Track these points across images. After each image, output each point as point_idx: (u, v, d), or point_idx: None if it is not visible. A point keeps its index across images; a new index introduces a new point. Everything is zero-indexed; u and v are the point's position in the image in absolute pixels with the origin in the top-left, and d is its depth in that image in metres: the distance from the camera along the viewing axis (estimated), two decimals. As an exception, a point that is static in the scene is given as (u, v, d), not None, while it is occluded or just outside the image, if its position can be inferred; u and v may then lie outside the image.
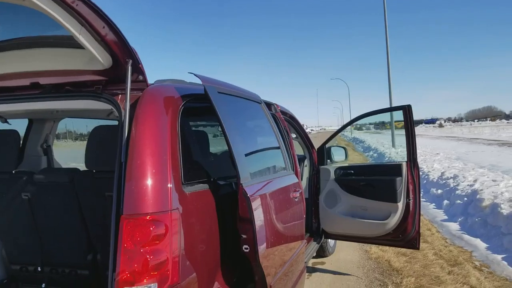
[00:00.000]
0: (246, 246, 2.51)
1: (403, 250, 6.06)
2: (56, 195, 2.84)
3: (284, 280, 2.96)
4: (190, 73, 2.58)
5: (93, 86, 2.56)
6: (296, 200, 3.45)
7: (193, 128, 3.23)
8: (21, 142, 3.76)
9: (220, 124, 2.49)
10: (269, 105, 4.37)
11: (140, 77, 2.48)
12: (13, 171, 2.89)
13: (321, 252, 5.90)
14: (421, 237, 6.86)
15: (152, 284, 2.07)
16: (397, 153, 21.02)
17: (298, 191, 3.53)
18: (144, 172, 2.17)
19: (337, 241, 6.23)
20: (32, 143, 3.76)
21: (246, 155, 2.75)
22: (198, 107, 2.87)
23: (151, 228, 2.09)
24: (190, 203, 2.36)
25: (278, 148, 3.59)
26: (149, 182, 2.16)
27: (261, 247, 2.53)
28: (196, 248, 2.36)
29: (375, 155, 23.99)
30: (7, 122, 3.04)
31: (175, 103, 2.51)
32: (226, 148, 2.80)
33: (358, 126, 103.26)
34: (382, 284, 4.98)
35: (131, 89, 2.50)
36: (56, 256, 3.04)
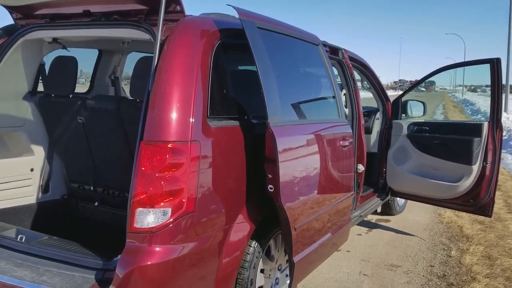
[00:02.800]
0: (271, 186, 2.49)
1: (481, 218, 5.61)
2: (105, 120, 3.02)
3: (314, 227, 2.90)
4: (228, 5, 2.52)
5: (137, 15, 2.62)
6: (344, 150, 3.30)
7: (242, 67, 3.19)
8: (92, 72, 4.04)
9: (253, 59, 2.43)
10: (335, 50, 4.16)
11: (178, 8, 2.48)
12: (70, 96, 3.12)
13: (388, 210, 5.68)
14: (510, 208, 6.32)
15: (166, 209, 2.16)
16: (508, 119, 19.11)
17: (348, 140, 3.37)
18: (167, 101, 2.22)
19: (408, 200, 5.94)
20: (101, 73, 4.01)
21: (282, 96, 2.67)
22: (242, 44, 2.81)
23: (167, 156, 2.15)
24: (215, 137, 2.37)
25: (332, 94, 3.43)
26: (170, 111, 2.20)
27: (285, 189, 2.49)
28: (218, 181, 2.39)
29: (482, 118, 22.07)
30: (66, 49, 3.27)
31: (210, 36, 2.49)
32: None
33: (473, 87, 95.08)
34: (445, 248, 4.70)
35: (170, 20, 2.53)
36: (106, 178, 3.29)
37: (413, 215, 5.87)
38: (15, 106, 3.20)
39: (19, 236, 2.59)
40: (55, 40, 3.07)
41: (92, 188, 3.34)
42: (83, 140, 3.18)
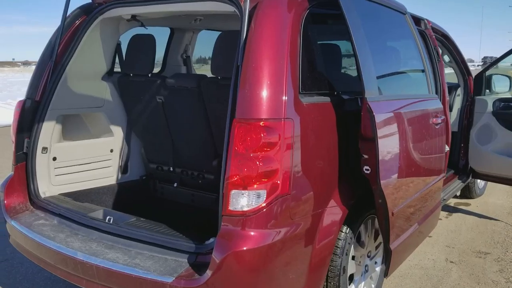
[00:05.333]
0: (367, 167, 2.30)
1: None
2: (185, 99, 2.93)
3: (409, 211, 2.70)
4: None
5: None
6: (436, 128, 3.05)
7: (324, 40, 2.98)
8: (164, 51, 3.97)
9: (348, 30, 2.23)
10: (417, 20, 3.84)
11: None
12: (149, 75, 3.05)
13: (467, 193, 5.33)
14: None
15: (261, 191, 2.03)
16: None
17: (440, 118, 3.10)
18: (259, 76, 2.07)
19: (488, 183, 5.55)
20: (173, 52, 3.93)
21: (376, 69, 2.45)
22: (329, 14, 2.62)
23: (262, 135, 2.01)
24: (307, 114, 2.21)
25: (421, 67, 3.16)
26: (263, 87, 2.05)
27: (383, 171, 2.29)
28: (311, 162, 2.23)
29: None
30: (144, 26, 3.19)
31: (299, 6, 2.30)
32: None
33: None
34: (536, 235, 4.33)
35: None
36: (186, 159, 3.22)
37: (494, 198, 5.48)
38: (94, 86, 3.18)
39: (107, 217, 2.56)
40: (133, 17, 3.00)
41: (171, 169, 3.29)
42: (162, 120, 3.12)
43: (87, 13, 2.96)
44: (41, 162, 2.89)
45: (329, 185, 2.38)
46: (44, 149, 2.90)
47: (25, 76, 37.45)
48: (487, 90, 4.81)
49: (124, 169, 3.40)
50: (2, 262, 3.58)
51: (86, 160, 3.17)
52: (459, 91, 4.93)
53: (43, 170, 2.91)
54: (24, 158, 2.85)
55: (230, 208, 2.02)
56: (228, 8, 2.39)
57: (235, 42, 2.49)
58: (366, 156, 2.29)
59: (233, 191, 2.02)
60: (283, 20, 2.21)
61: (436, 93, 3.87)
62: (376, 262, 2.89)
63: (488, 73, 4.81)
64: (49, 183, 2.95)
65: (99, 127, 3.28)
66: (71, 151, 3.09)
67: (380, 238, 2.87)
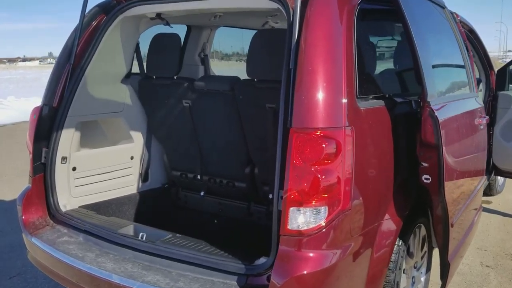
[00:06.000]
0: (427, 176, 2.12)
1: None
2: (216, 103, 2.73)
3: (464, 220, 2.54)
4: None
5: None
6: (481, 128, 2.89)
7: (378, 36, 2.80)
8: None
9: (406, 30, 2.04)
10: (448, 14, 3.68)
11: None
12: (175, 77, 2.84)
13: (487, 190, 5.19)
14: None
15: (322, 207, 1.84)
16: None
17: (484, 118, 2.94)
18: (316, 81, 1.87)
19: (507, 180, 5.43)
20: (190, 51, 3.71)
21: (433, 69, 2.27)
22: (374, 9, 2.43)
23: (324, 145, 1.82)
24: (365, 121, 2.03)
25: (464, 65, 2.99)
26: (321, 92, 1.86)
27: (446, 179, 2.11)
28: (368, 173, 2.06)
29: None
30: (169, 25, 2.96)
31: (351, 1, 2.11)
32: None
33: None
34: None
35: None
36: (214, 166, 3.01)
37: (515, 195, 5.37)
38: (114, 90, 2.95)
39: (140, 234, 2.34)
40: (158, 15, 2.77)
41: (199, 177, 3.08)
42: (189, 125, 2.91)
43: (106, 12, 2.73)
44: (61, 173, 2.67)
45: (386, 196, 2.21)
46: (64, 158, 2.68)
47: (11, 74, 36.72)
48: (511, 85, 4.66)
49: (145, 177, 3.19)
50: (14, 277, 3.35)
51: (106, 169, 2.96)
52: (481, 86, 4.77)
53: (63, 181, 2.69)
54: (42, 169, 2.62)
55: (289, 227, 1.83)
56: (270, 5, 2.19)
57: (274, 42, 2.29)
58: (426, 164, 2.12)
59: (291, 209, 1.83)
60: (337, 17, 2.01)
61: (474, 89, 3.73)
62: (421, 273, 2.73)
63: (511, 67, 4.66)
64: (69, 195, 2.73)
65: (118, 133, 3.06)
66: (91, 160, 2.87)
67: (425, 248, 2.71)
